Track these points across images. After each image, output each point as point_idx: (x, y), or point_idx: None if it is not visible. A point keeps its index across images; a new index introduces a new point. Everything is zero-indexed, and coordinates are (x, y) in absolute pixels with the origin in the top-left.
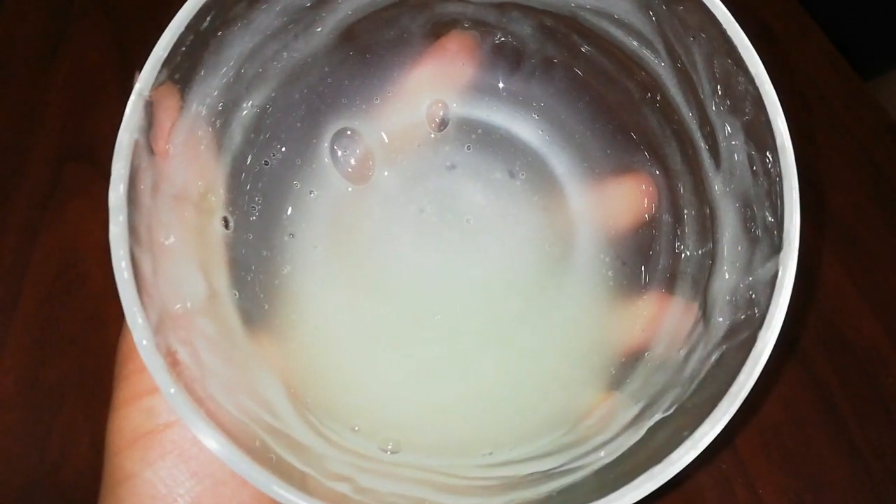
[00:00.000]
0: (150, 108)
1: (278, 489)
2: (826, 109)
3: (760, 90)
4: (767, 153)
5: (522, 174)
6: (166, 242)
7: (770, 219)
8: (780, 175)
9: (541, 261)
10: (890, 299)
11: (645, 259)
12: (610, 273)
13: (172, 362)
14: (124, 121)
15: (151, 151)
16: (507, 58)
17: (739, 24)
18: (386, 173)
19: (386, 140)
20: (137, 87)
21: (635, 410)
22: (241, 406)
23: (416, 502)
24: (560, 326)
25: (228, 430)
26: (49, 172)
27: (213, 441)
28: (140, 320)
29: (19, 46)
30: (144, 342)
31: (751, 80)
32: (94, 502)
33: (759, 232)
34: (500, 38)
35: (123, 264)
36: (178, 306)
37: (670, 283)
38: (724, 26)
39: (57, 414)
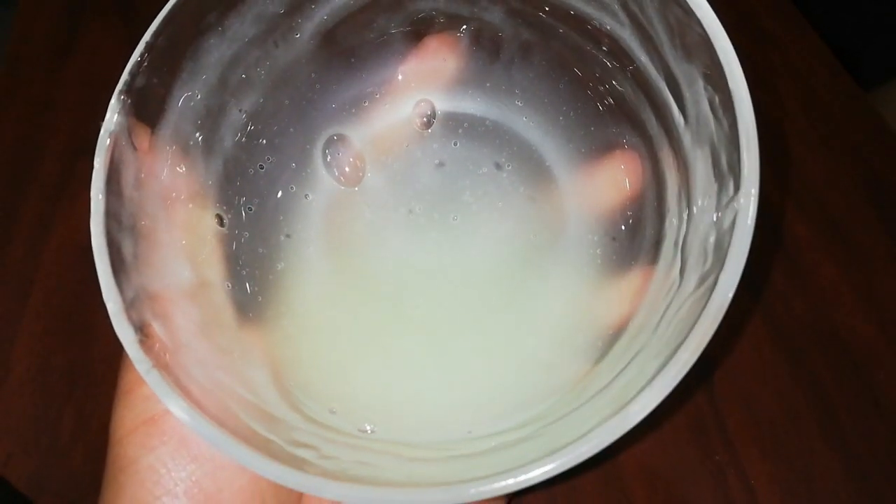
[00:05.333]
0: (131, 107)
1: (234, 450)
2: (823, 112)
3: (708, 31)
4: (723, 92)
5: (509, 165)
6: (152, 233)
7: (733, 161)
8: (734, 111)
9: (524, 252)
10: (883, 298)
11: (634, 230)
12: (598, 251)
13: (147, 334)
14: (107, 117)
15: (134, 148)
16: (486, 48)
17: (740, 28)
18: (377, 175)
19: (376, 143)
20: (119, 87)
21: (610, 377)
22: (215, 380)
23: (379, 469)
24: (541, 310)
25: (195, 399)
26: (62, 166)
27: (175, 405)
28: (113, 293)
29: (34, 43)
30: (116, 312)
31: (698, 21)
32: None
33: (723, 176)
34: (475, 29)
35: (100, 240)
36: (158, 288)
37: (657, 250)
38: None
39: (68, 399)
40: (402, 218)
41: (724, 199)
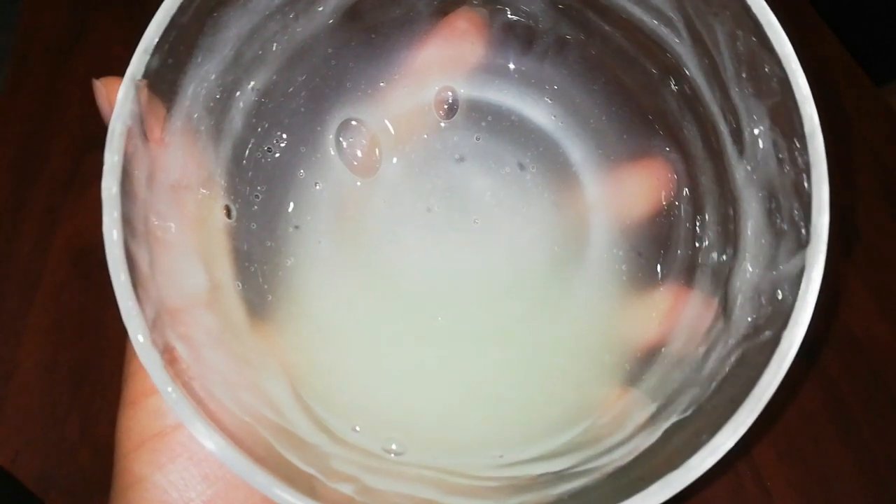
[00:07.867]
0: (143, 94)
1: (279, 491)
2: (837, 112)
3: (787, 72)
4: (795, 140)
5: (533, 167)
6: (164, 234)
7: (796, 211)
8: (807, 164)
9: (547, 262)
10: None
11: (662, 249)
12: (624, 267)
13: (170, 359)
14: (116, 108)
15: (146, 139)
16: (519, 37)
17: None
18: (393, 165)
19: (392, 130)
20: (129, 71)
21: (651, 409)
22: (242, 403)
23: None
24: (567, 326)
25: (228, 430)
26: (69, 161)
27: (210, 442)
28: (135, 317)
29: (41, 38)
30: (140, 339)
31: (777, 61)
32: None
33: (784, 225)
34: (510, 16)
35: (117, 259)
36: (177, 300)
37: (689, 276)
38: (749, 2)
39: (76, 396)
40: (419, 216)
41: (785, 250)
